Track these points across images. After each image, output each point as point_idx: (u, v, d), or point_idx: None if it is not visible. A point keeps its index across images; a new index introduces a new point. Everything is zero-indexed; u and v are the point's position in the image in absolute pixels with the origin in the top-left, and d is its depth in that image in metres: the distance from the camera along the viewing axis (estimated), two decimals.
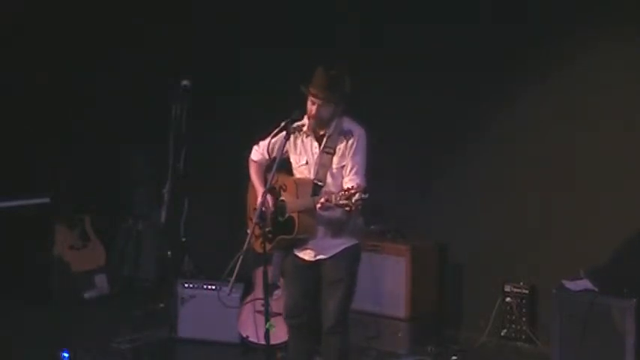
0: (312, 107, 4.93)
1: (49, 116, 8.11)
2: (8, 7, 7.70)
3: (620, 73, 6.00)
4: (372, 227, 6.74)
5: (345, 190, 4.63)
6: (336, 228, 5.00)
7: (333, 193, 4.73)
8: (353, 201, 4.56)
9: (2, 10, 7.67)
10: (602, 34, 6.07)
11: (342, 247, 5.04)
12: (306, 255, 5.08)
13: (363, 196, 4.56)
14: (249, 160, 5.27)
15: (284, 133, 4.99)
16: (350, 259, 5.07)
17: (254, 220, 4.82)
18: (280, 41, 7.36)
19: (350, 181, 4.88)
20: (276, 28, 7.43)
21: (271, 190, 5.02)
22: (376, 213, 6.24)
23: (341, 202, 4.61)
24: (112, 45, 8.23)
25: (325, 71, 4.92)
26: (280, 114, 5.02)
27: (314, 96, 4.90)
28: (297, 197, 4.96)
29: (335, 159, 4.97)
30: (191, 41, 7.94)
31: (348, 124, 5.01)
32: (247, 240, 4.77)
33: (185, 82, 6.01)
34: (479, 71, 6.55)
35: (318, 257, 5.05)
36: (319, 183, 4.96)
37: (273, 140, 5.11)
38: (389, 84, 6.86)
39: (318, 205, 4.76)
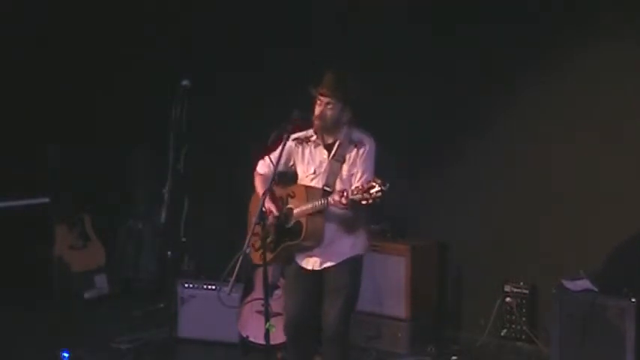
0: (317, 108, 4.94)
1: (49, 116, 8.10)
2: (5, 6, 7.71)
3: (621, 73, 5.99)
4: (372, 227, 6.74)
5: (362, 184, 4.60)
6: (344, 228, 4.98)
7: (346, 189, 4.69)
8: (372, 193, 4.54)
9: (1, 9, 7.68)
10: (602, 34, 6.06)
11: (347, 256, 5.02)
12: (311, 264, 5.04)
13: (383, 187, 4.53)
14: (255, 174, 5.25)
15: (285, 136, 4.97)
16: (353, 267, 5.06)
17: (254, 221, 4.80)
18: (280, 41, 7.36)
19: (358, 183, 4.87)
20: (276, 28, 7.43)
21: (276, 200, 5.02)
22: (376, 213, 6.24)
23: (358, 196, 4.59)
24: (112, 45, 8.23)
25: (334, 73, 4.96)
26: (280, 114, 5.02)
27: (321, 95, 4.92)
28: (307, 202, 4.93)
29: (345, 167, 4.96)
30: (191, 41, 7.94)
31: (358, 134, 5.02)
32: (247, 240, 4.76)
33: (185, 82, 6.00)
34: (479, 71, 6.55)
35: (324, 265, 5.03)
36: (328, 189, 4.93)
37: (277, 151, 5.07)
38: (389, 84, 6.86)
39: (336, 201, 4.69)
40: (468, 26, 6.56)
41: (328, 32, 7.14)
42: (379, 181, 4.57)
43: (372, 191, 4.55)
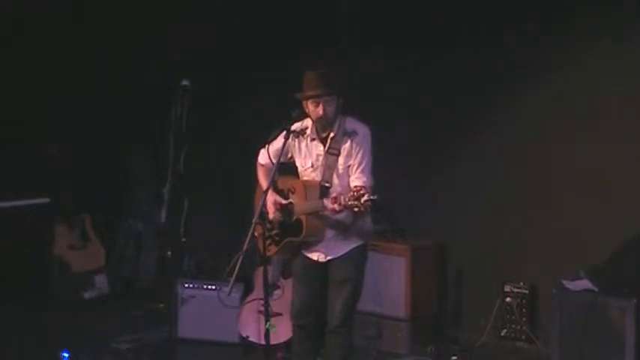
0: (317, 109, 4.94)
1: (49, 115, 8.10)
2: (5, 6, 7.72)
3: (620, 74, 5.99)
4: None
5: (354, 192, 4.62)
6: (344, 228, 5.01)
7: (341, 195, 4.72)
8: (362, 202, 4.58)
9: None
10: (602, 34, 6.06)
11: (350, 247, 5.05)
12: (316, 256, 5.09)
13: (371, 197, 4.57)
14: (257, 164, 5.29)
15: (284, 133, 4.99)
16: (357, 259, 5.10)
17: (254, 220, 4.82)
18: (280, 41, 7.36)
19: (356, 179, 4.92)
20: (276, 29, 7.43)
21: (279, 192, 5.04)
22: (376, 213, 6.24)
23: (349, 203, 4.62)
24: (111, 45, 8.23)
25: (314, 71, 4.98)
26: (280, 114, 5.03)
27: (316, 96, 4.92)
28: (306, 199, 4.96)
29: (341, 159, 4.98)
30: (191, 41, 7.94)
31: (351, 123, 5.03)
32: (247, 240, 4.76)
33: (185, 82, 6.01)
34: (479, 71, 6.54)
35: (329, 257, 5.06)
36: (326, 184, 4.97)
37: (276, 143, 5.09)
38: (389, 83, 6.86)
39: (329, 208, 4.75)
40: (468, 26, 6.56)
41: (328, 32, 7.13)
42: (369, 190, 4.62)
43: (362, 199, 4.58)
